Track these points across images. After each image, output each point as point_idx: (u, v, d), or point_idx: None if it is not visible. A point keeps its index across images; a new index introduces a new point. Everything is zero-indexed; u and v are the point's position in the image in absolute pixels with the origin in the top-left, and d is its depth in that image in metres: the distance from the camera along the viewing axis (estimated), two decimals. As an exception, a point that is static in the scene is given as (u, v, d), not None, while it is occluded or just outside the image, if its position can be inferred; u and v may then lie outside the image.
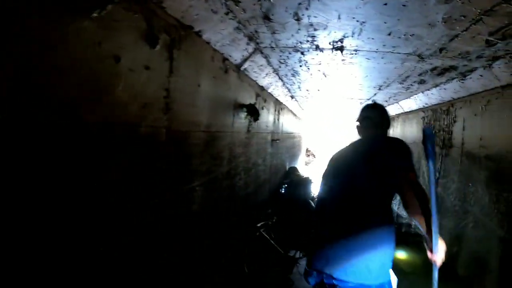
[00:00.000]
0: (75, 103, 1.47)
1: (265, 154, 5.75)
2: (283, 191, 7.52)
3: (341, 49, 3.31)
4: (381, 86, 5.33)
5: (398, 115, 7.74)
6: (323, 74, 4.65)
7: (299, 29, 2.89)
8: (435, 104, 5.32)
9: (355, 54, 3.48)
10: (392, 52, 3.29)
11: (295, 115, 10.28)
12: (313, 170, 16.11)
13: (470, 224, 4.10)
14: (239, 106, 3.87)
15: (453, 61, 3.31)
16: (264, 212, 5.83)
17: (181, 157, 2.55)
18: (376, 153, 2.08)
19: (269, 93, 5.60)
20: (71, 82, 1.44)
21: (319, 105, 9.06)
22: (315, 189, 8.61)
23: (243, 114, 4.00)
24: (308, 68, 4.36)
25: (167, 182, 2.33)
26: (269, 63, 4.20)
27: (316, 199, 2.35)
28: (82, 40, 1.50)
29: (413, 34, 2.72)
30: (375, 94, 6.26)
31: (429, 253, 1.93)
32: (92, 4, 1.53)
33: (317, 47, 3.36)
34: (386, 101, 6.94)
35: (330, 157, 2.41)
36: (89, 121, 1.55)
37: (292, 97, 7.46)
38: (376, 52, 3.35)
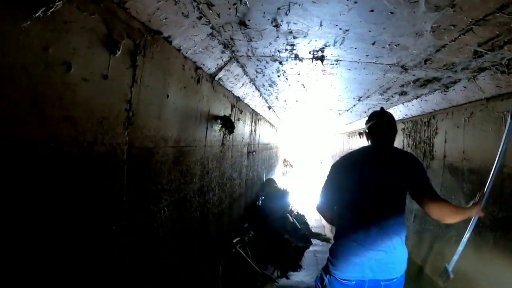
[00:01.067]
0: None
1: (240, 167, 5.50)
2: (260, 204, 7.29)
3: (321, 59, 3.12)
4: (361, 97, 5.21)
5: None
6: (302, 85, 4.47)
7: (277, 37, 2.69)
8: (415, 116, 5.23)
9: (336, 64, 3.30)
10: (375, 63, 3.13)
11: (272, 125, 10.11)
12: (290, 180, 15.99)
13: (453, 238, 3.97)
14: (213, 118, 3.62)
15: (437, 73, 3.18)
16: (240, 227, 5.57)
17: (146, 176, 2.28)
18: (397, 162, 2.24)
19: (246, 103, 5.37)
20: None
21: (297, 115, 8.93)
22: (293, 201, 8.51)
23: (217, 127, 3.75)
24: (287, 79, 4.16)
25: (127, 206, 2.04)
26: (245, 72, 3.98)
27: (322, 202, 2.41)
28: (24, 45, 1.23)
29: (398, 44, 2.56)
30: (354, 105, 6.16)
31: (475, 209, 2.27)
32: (37, 0, 1.26)
33: (296, 57, 3.16)
34: (365, 112, 6.84)
35: (339, 161, 2.44)
36: (21, 139, 1.26)
37: (269, 107, 7.27)
38: (358, 62, 3.19)
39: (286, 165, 18.62)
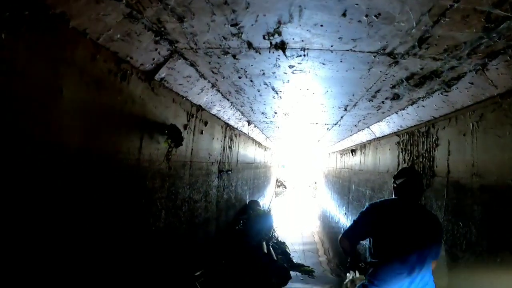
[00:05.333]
0: None
1: (207, 188, 4.69)
2: (238, 228, 6.50)
3: (282, 47, 2.40)
4: (347, 106, 4.46)
5: (369, 142, 6.92)
6: (273, 89, 3.72)
7: (213, 14, 1.96)
8: (411, 126, 4.47)
9: (304, 56, 2.57)
10: (353, 51, 2.40)
11: (258, 143, 9.38)
12: (282, 202, 15.19)
13: (462, 275, 3.15)
14: (154, 127, 2.87)
15: (436, 63, 2.43)
16: (208, 255, 4.74)
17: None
18: (429, 225, 2.54)
19: (213, 115, 4.61)
20: None
21: (282, 132, 8.19)
22: (277, 224, 7.93)
23: (162, 138, 3.00)
24: (251, 81, 3.42)
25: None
26: (200, 74, 3.24)
27: (350, 233, 2.67)
28: None
29: (379, 14, 1.81)
30: (341, 117, 5.39)
31: None
32: None
33: (250, 45, 2.43)
34: (356, 126, 6.09)
35: (377, 205, 2.72)
36: None
37: (249, 122, 6.53)
38: (331, 51, 2.45)
39: (279, 186, 17.83)
